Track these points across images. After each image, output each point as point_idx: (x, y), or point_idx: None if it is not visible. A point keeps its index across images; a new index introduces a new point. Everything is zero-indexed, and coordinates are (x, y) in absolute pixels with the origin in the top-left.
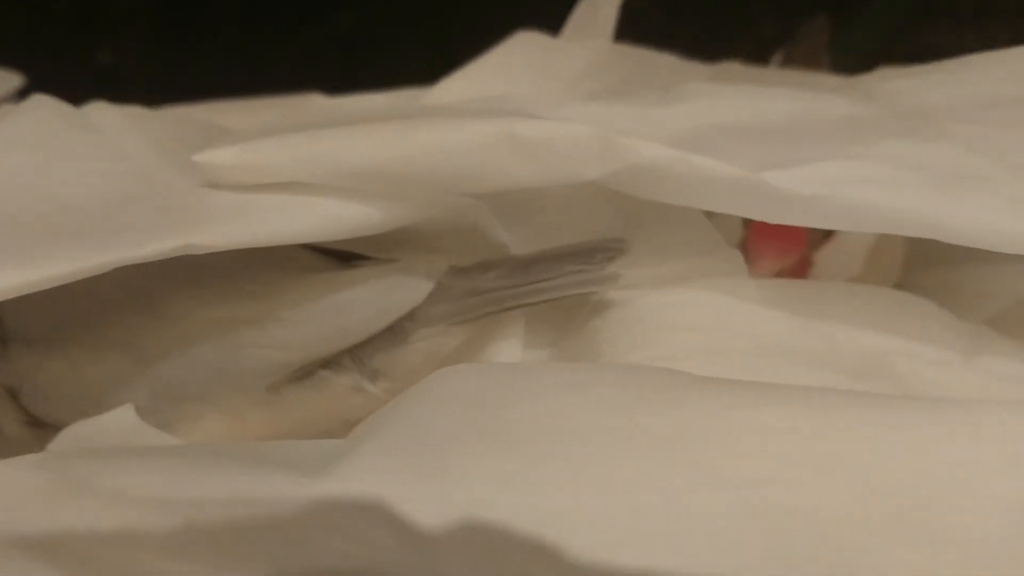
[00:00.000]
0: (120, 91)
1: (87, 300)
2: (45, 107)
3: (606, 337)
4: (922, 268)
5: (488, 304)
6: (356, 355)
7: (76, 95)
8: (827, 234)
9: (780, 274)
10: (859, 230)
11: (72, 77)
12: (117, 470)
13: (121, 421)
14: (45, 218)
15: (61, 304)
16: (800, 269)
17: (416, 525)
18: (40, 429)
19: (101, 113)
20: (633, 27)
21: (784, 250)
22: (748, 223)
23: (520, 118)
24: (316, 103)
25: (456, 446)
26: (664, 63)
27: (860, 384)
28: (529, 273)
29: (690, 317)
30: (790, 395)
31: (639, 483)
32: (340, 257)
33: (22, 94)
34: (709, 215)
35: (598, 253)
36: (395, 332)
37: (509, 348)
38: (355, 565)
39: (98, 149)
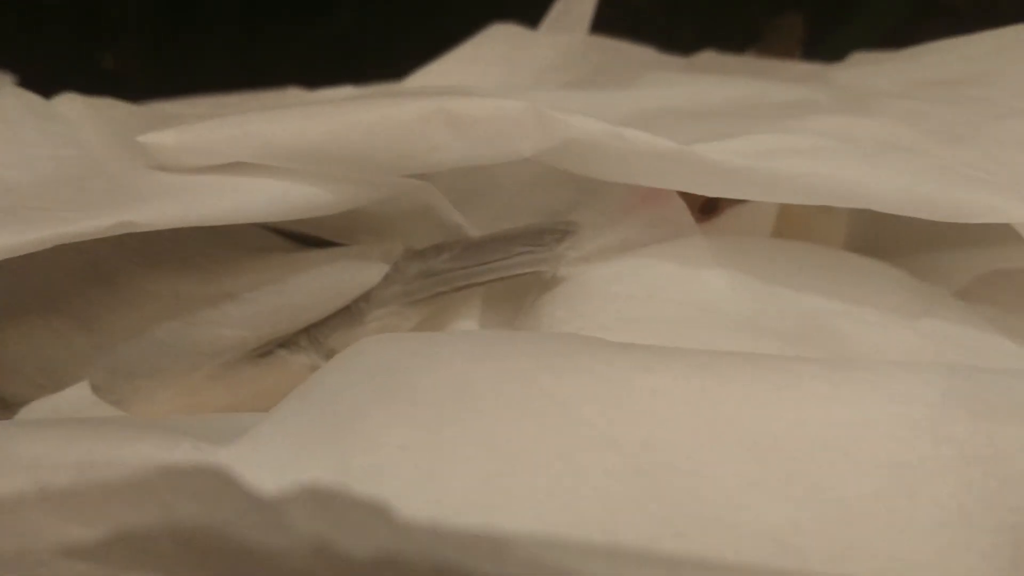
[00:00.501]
0: (121, 94)
1: (47, 276)
2: (8, 96)
3: (550, 310)
4: (882, 254)
5: (440, 284)
6: (312, 335)
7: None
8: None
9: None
10: (789, 201)
11: (74, 80)
12: (18, 437)
13: (77, 399)
14: None
15: (21, 279)
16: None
17: (255, 491)
18: (6, 410)
19: (68, 104)
20: (633, 26)
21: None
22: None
23: (455, 96)
24: (291, 96)
25: (362, 414)
26: (638, 54)
27: (795, 347)
28: (481, 254)
29: (629, 286)
30: (688, 359)
31: (532, 446)
32: (302, 240)
33: None
34: None
35: (547, 234)
36: (351, 313)
37: (467, 327)
38: (200, 526)
39: (52, 136)
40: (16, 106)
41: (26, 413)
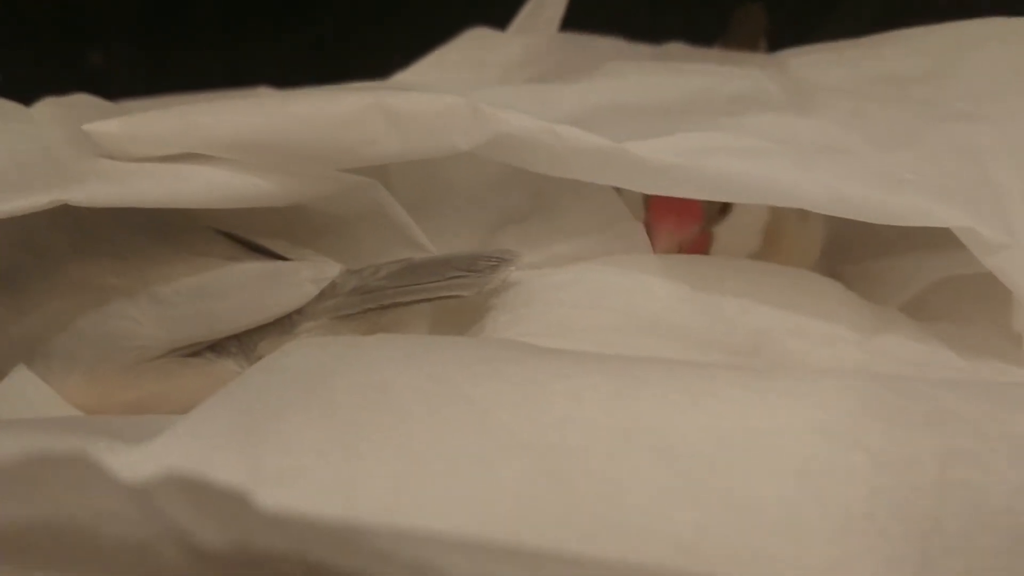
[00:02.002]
0: (109, 92)
1: None
2: None
3: (494, 315)
4: (845, 259)
5: (369, 301)
6: (243, 341)
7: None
8: (723, 209)
9: (681, 248)
10: (717, 198)
11: (62, 79)
12: None
13: (18, 384)
14: None
15: None
16: (701, 243)
17: (120, 479)
18: None
19: (42, 107)
20: (620, 24)
21: (681, 224)
22: (647, 200)
23: (391, 91)
24: (260, 94)
25: (279, 416)
26: (607, 46)
27: (742, 362)
28: (416, 275)
29: (575, 294)
30: (607, 365)
31: (446, 449)
32: (254, 249)
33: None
34: (619, 192)
35: (482, 261)
36: (282, 322)
37: None
38: (71, 517)
39: (13, 135)
40: None
41: None
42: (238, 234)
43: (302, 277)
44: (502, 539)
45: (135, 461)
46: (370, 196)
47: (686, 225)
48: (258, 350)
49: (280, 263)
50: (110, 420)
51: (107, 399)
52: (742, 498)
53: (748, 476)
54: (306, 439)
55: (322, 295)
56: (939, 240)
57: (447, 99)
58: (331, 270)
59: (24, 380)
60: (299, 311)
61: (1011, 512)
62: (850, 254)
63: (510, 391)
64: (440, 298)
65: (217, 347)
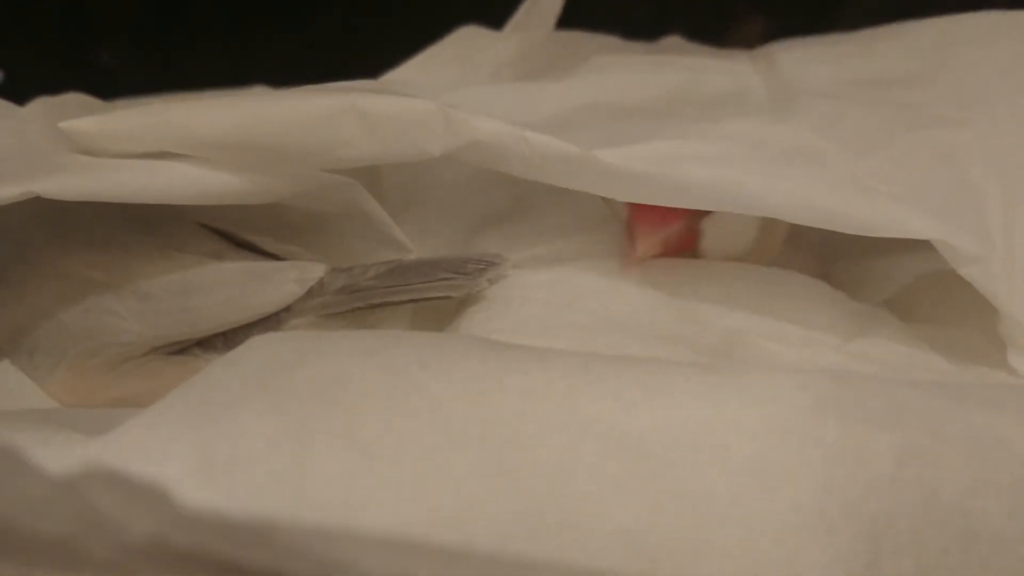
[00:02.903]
0: (116, 91)
1: None
2: None
3: (470, 312)
4: (836, 257)
5: (357, 300)
6: (228, 337)
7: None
8: None
9: (667, 245)
10: (687, 206)
11: (70, 77)
12: None
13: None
14: None
15: None
16: (687, 240)
17: (42, 469)
18: None
19: (34, 105)
20: (623, 22)
21: (661, 222)
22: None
23: (367, 93)
24: (254, 93)
25: (234, 406)
26: (600, 44)
27: (711, 360)
28: (404, 276)
29: (550, 294)
30: (565, 360)
31: (397, 441)
32: (243, 247)
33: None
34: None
35: (471, 264)
36: (269, 320)
37: None
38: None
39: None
40: None
41: None
42: (224, 228)
43: (287, 277)
44: (450, 537)
45: (66, 454)
46: (349, 195)
47: (667, 223)
48: None
49: (265, 263)
50: (78, 413)
51: (91, 396)
52: (690, 492)
53: (697, 470)
54: (258, 430)
55: (310, 293)
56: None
57: (419, 105)
58: (316, 271)
59: (6, 375)
60: (286, 308)
61: (963, 512)
62: (841, 251)
63: (465, 384)
64: (429, 299)
65: (203, 343)
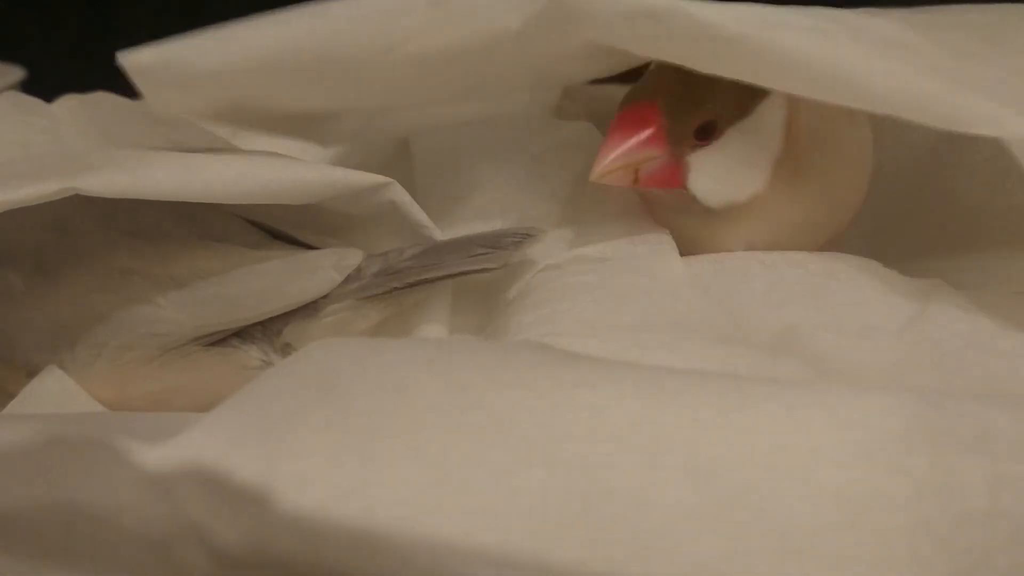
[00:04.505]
0: (133, 88)
1: (26, 235)
2: (6, 99)
3: (518, 315)
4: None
5: (394, 280)
6: (267, 326)
7: (93, 90)
8: (740, 110)
9: (638, 178)
10: (778, 84)
11: (88, 75)
12: None
13: (48, 384)
14: None
15: (16, 236)
16: (669, 175)
17: (141, 465)
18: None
19: (62, 103)
20: None
21: (631, 143)
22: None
23: None
24: None
25: (295, 418)
26: None
27: (771, 360)
28: (439, 254)
29: (599, 296)
30: (634, 376)
31: (465, 460)
32: (277, 236)
33: (25, 86)
34: None
35: (507, 237)
36: (307, 307)
37: (435, 331)
38: (85, 502)
39: (30, 128)
40: (5, 104)
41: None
42: (264, 222)
43: (325, 264)
44: (524, 559)
45: (157, 452)
46: (387, 196)
47: (638, 147)
48: (283, 336)
49: (304, 251)
50: (130, 417)
51: (131, 388)
52: (772, 523)
53: (781, 500)
54: (321, 443)
55: (348, 279)
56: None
57: None
58: (354, 258)
59: (53, 378)
60: (325, 295)
61: None
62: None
63: (531, 400)
64: (466, 273)
65: (242, 333)
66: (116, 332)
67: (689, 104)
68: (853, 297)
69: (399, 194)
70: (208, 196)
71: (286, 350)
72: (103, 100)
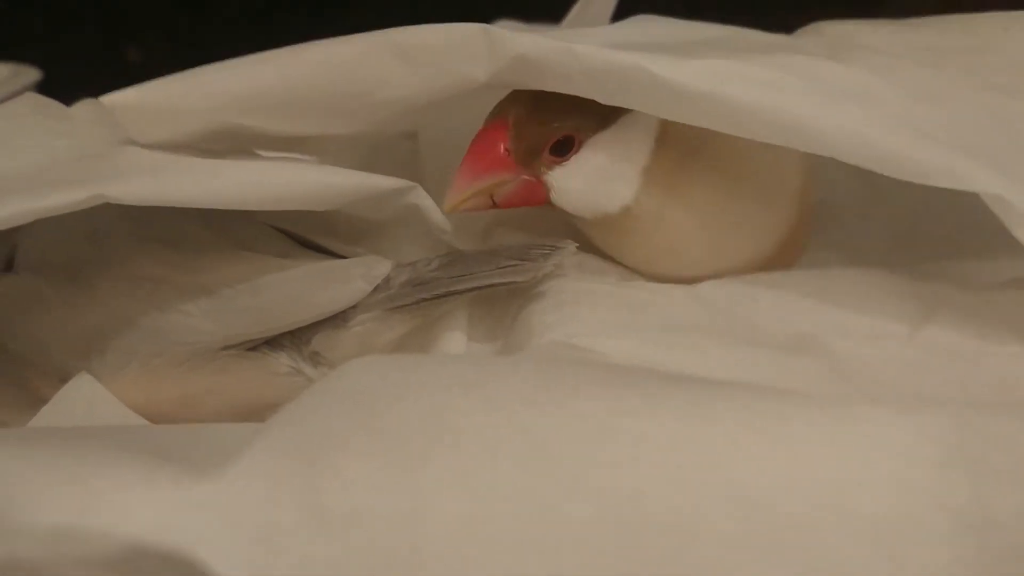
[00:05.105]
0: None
1: (59, 245)
2: (25, 101)
3: (540, 316)
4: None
5: (422, 291)
6: (296, 335)
7: (105, 91)
8: (602, 121)
9: (495, 199)
10: (733, 131)
11: (100, 73)
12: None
13: (80, 390)
14: None
15: (50, 244)
16: (534, 194)
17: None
18: (26, 366)
19: (81, 106)
20: None
21: (478, 173)
22: None
23: (403, 28)
24: None
25: (337, 449)
26: None
27: (790, 359)
28: (467, 265)
29: (623, 296)
30: (675, 400)
31: (512, 489)
32: (305, 244)
33: (41, 88)
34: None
35: (534, 250)
36: (336, 317)
37: (455, 340)
38: None
39: (51, 132)
40: (25, 107)
41: (42, 415)
42: (292, 231)
43: (354, 275)
44: None
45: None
46: (409, 200)
47: (486, 175)
48: (312, 345)
49: (332, 261)
50: (169, 438)
51: (161, 392)
52: (816, 556)
53: (823, 533)
54: (367, 476)
55: (376, 288)
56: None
57: (459, 27)
58: (383, 267)
59: (85, 385)
60: (353, 305)
61: None
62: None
63: (573, 427)
64: (494, 285)
65: (271, 342)
66: (147, 339)
67: (537, 124)
68: (861, 303)
69: (422, 198)
70: (234, 202)
71: (315, 359)
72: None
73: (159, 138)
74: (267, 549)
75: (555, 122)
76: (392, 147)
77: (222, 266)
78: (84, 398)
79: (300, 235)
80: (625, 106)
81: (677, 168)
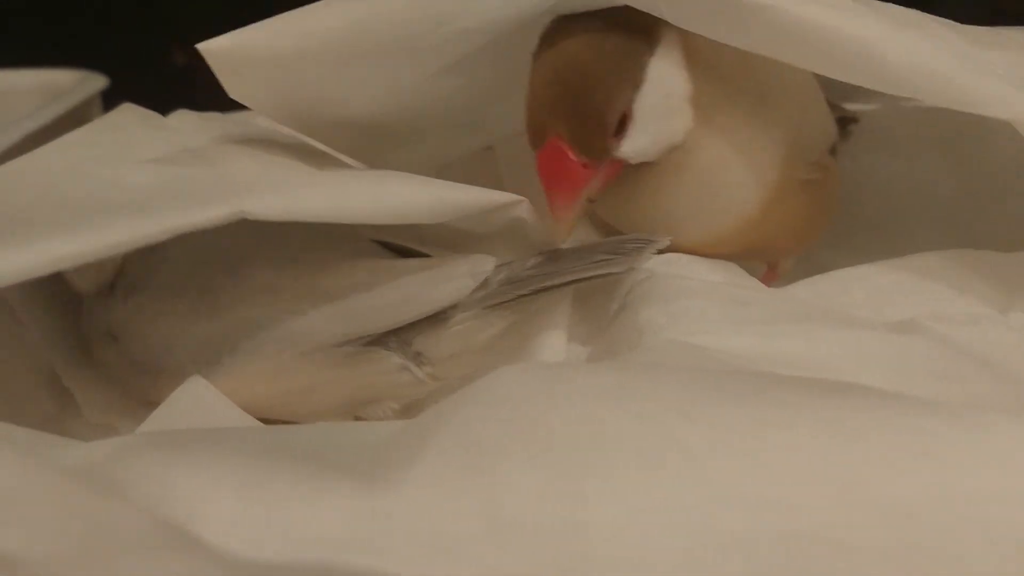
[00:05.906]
0: (191, 90)
1: (179, 266)
2: (126, 112)
3: (647, 316)
4: None
5: (519, 288)
6: (400, 335)
7: (151, 94)
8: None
9: (598, 189)
10: (793, 59)
11: (147, 75)
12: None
13: (192, 392)
14: (104, 198)
15: (162, 261)
16: (609, 172)
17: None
18: (145, 375)
19: (179, 117)
20: None
21: (570, 193)
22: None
23: None
24: None
25: (499, 456)
26: None
27: (903, 337)
28: (563, 261)
29: (729, 289)
30: (823, 410)
31: (671, 501)
32: (396, 251)
33: (105, 94)
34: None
35: (628, 243)
36: (436, 316)
37: (555, 337)
38: None
39: (164, 143)
40: (130, 118)
41: (151, 420)
42: (394, 242)
43: (460, 271)
44: None
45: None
46: (517, 213)
47: (577, 194)
48: (414, 345)
49: (439, 259)
50: (312, 441)
51: (277, 392)
52: (961, 569)
53: (970, 546)
54: (530, 483)
55: (476, 289)
56: None
57: None
58: (487, 264)
59: (197, 387)
60: (453, 305)
61: None
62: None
63: (724, 438)
64: (591, 278)
65: (379, 341)
66: (269, 341)
67: (591, 127)
68: (952, 286)
69: (528, 212)
70: (356, 217)
71: (418, 359)
72: (212, 116)
73: (247, 91)
74: (449, 559)
75: (605, 116)
76: (465, 164)
77: (337, 272)
78: (195, 402)
79: (402, 246)
80: (685, 25)
81: (714, 88)
